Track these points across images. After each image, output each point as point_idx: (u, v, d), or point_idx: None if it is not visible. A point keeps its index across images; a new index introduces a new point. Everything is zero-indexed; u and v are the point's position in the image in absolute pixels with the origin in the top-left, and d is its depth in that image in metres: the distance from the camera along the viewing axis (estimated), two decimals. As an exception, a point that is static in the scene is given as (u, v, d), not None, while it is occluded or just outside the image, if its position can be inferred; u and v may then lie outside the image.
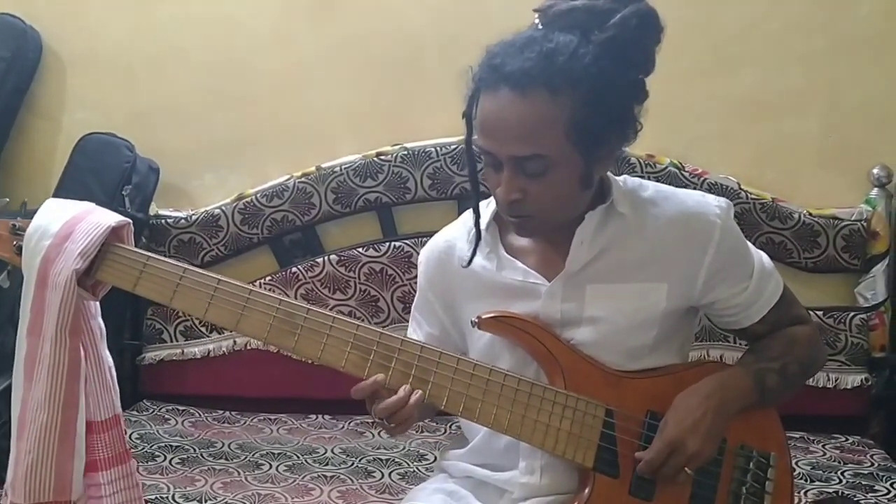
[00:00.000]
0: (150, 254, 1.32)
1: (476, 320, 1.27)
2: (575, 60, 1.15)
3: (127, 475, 1.38)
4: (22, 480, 1.30)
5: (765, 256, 1.35)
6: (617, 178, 1.31)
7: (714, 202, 1.30)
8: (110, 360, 1.39)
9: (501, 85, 1.17)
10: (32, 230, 1.32)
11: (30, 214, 1.35)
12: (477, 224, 1.32)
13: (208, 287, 1.28)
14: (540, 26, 1.20)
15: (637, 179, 1.33)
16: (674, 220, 1.28)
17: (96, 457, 1.34)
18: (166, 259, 1.32)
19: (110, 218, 1.33)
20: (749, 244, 1.34)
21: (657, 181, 1.38)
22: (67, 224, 1.31)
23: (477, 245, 1.32)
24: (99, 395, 1.35)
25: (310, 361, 1.29)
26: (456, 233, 1.39)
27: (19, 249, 1.32)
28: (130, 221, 1.36)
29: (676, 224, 1.28)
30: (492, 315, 1.27)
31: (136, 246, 1.36)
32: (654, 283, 1.28)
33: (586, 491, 1.25)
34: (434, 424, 2.35)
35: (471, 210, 1.37)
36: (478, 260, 1.33)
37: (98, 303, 1.37)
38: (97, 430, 1.34)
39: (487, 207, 1.35)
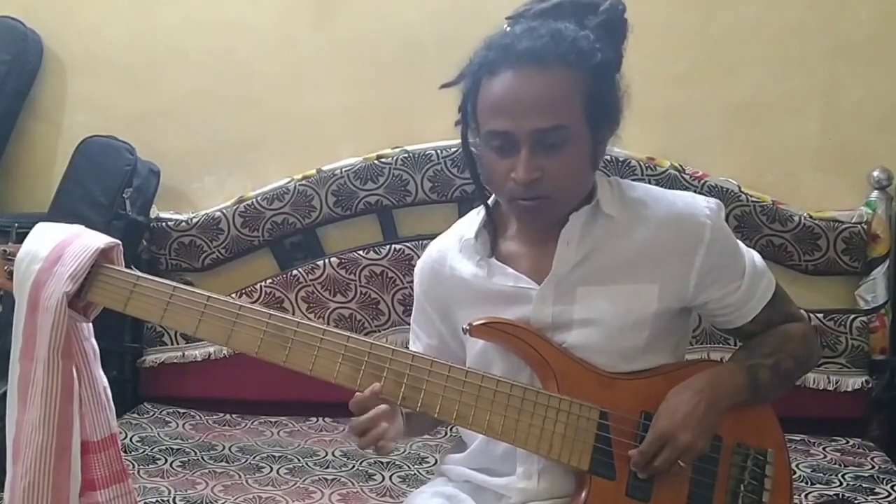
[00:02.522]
0: (139, 273, 1.34)
1: (467, 327, 1.28)
2: (581, 39, 1.20)
3: (125, 493, 1.39)
4: (19, 502, 1.31)
5: (756, 255, 1.35)
6: (605, 179, 1.32)
7: (704, 203, 1.30)
8: (105, 380, 1.40)
9: (516, 63, 1.19)
10: (23, 255, 1.33)
11: (21, 236, 1.37)
12: (488, 211, 1.32)
13: (198, 304, 1.30)
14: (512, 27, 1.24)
15: (626, 181, 1.34)
16: (664, 221, 1.28)
17: (93, 476, 1.35)
18: (156, 278, 1.34)
19: (99, 240, 1.34)
20: (740, 243, 1.35)
21: (657, 184, 1.39)
22: (57, 247, 1.32)
23: (496, 237, 1.32)
24: (94, 416, 1.36)
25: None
26: (447, 242, 1.39)
27: (10, 274, 1.34)
28: (119, 243, 1.37)
29: (666, 225, 1.28)
30: (482, 322, 1.28)
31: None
32: (645, 285, 1.28)
33: (583, 494, 1.25)
34: (434, 427, 2.36)
35: (461, 220, 1.39)
36: (469, 268, 1.34)
37: (91, 323, 1.38)
38: (93, 449, 1.35)
39: (478, 215, 1.35)
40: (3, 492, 1.36)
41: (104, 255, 1.34)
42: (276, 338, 1.28)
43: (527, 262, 1.31)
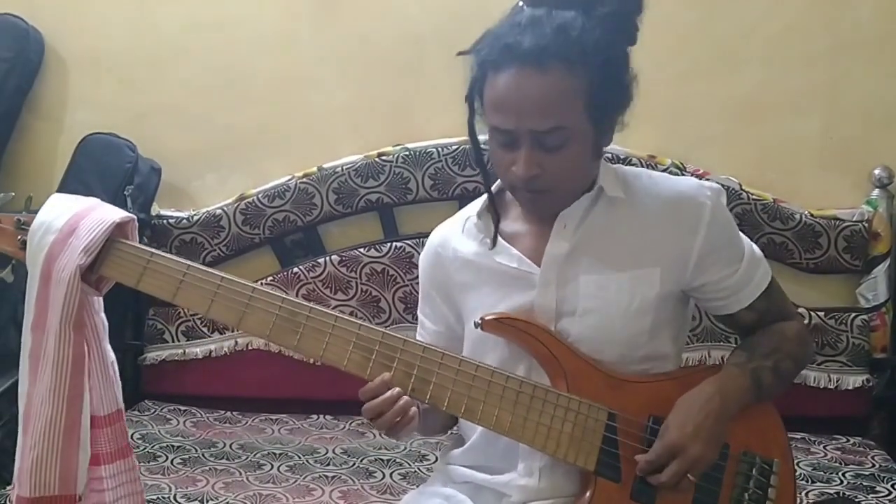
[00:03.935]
0: (153, 250, 1.33)
1: (479, 322, 1.28)
2: (586, 34, 1.19)
3: (129, 469, 1.39)
4: (28, 474, 1.31)
5: (754, 245, 1.36)
6: (611, 166, 1.32)
7: (705, 185, 1.32)
8: (113, 355, 1.40)
9: (518, 62, 1.18)
10: (37, 225, 1.32)
11: (34, 210, 1.36)
12: (491, 199, 1.32)
13: (211, 284, 1.29)
14: (525, 7, 1.22)
15: (631, 168, 1.35)
16: (665, 204, 1.29)
17: (99, 451, 1.35)
18: (170, 255, 1.33)
19: (115, 214, 1.34)
20: (739, 231, 1.35)
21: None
22: (72, 219, 1.31)
23: (497, 225, 1.32)
24: (102, 390, 1.35)
25: (312, 361, 1.30)
26: (451, 227, 1.40)
27: (24, 244, 1.33)
28: (134, 217, 1.37)
29: (667, 208, 1.29)
30: (494, 317, 1.28)
31: (137, 241, 1.36)
32: (647, 269, 1.28)
33: (587, 494, 1.25)
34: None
35: (469, 206, 1.39)
36: (472, 247, 1.34)
37: (101, 298, 1.38)
38: (100, 424, 1.35)
39: (479, 200, 1.36)
40: (7, 469, 1.36)
41: (119, 229, 1.33)
42: (287, 322, 1.27)
43: (529, 240, 1.32)
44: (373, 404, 1.22)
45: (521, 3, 1.24)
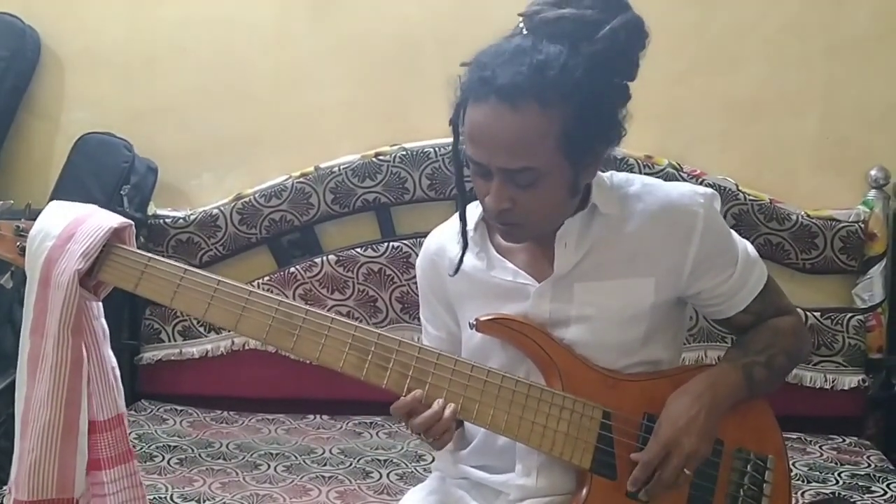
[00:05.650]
0: (150, 255, 1.34)
1: (474, 322, 1.28)
2: (565, 73, 1.15)
3: (130, 474, 1.40)
4: (25, 478, 1.32)
5: (749, 245, 1.36)
6: (603, 174, 1.31)
7: (698, 191, 1.31)
8: (114, 360, 1.41)
9: (492, 97, 1.16)
10: (36, 231, 1.34)
11: (33, 216, 1.37)
12: (464, 232, 1.32)
13: (208, 288, 1.30)
14: (525, 31, 1.20)
15: (624, 175, 1.34)
16: (658, 213, 1.28)
17: (99, 455, 1.36)
18: (167, 260, 1.34)
19: (112, 220, 1.35)
20: (733, 233, 1.35)
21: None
22: (70, 225, 1.33)
23: (463, 253, 1.32)
24: (101, 395, 1.36)
25: (308, 362, 1.30)
26: (447, 235, 1.40)
27: (22, 250, 1.35)
28: (132, 223, 1.38)
29: (660, 217, 1.28)
30: (489, 318, 1.28)
31: (134, 246, 1.37)
32: (642, 279, 1.28)
33: (584, 492, 1.26)
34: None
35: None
36: (469, 259, 1.34)
37: (101, 304, 1.39)
38: (99, 429, 1.36)
39: (477, 207, 1.35)
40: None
41: (116, 234, 1.35)
42: (284, 325, 1.28)
43: (525, 256, 1.32)
44: (423, 419, 1.22)
45: (521, 25, 1.21)
